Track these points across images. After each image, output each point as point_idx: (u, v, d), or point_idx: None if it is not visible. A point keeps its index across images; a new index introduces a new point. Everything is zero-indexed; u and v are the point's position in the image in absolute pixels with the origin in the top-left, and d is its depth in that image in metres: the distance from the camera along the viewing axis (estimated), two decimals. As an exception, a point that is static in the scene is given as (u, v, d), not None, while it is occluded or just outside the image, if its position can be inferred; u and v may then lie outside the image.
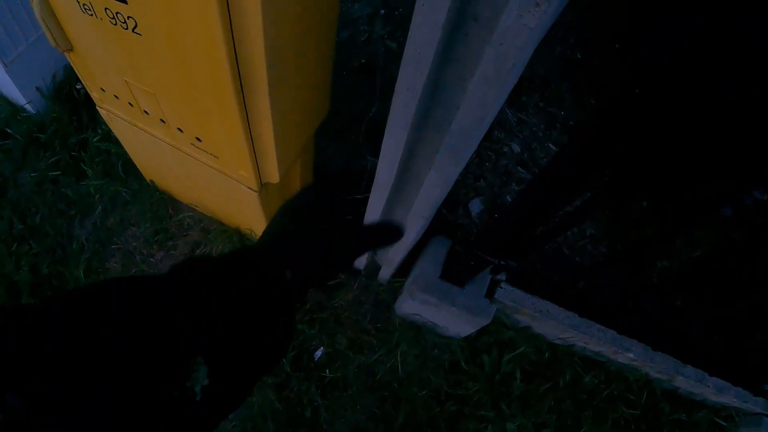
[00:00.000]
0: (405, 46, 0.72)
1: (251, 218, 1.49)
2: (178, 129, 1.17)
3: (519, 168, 2.05)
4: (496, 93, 0.73)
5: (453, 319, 1.50)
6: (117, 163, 1.81)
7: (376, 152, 1.03)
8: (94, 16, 0.92)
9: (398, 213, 1.26)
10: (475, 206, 1.92)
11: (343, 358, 1.67)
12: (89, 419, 0.22)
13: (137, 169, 1.78)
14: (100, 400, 0.22)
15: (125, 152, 1.80)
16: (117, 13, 0.86)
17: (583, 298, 1.55)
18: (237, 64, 0.81)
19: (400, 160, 0.97)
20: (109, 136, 1.82)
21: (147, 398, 0.26)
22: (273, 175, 1.21)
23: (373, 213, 1.23)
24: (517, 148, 2.10)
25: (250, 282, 0.39)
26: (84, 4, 0.90)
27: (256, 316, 0.37)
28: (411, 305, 1.58)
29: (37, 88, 1.83)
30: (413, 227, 1.20)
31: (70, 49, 1.13)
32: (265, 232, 0.51)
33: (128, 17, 0.85)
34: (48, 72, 1.87)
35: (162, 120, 1.18)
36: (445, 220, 1.84)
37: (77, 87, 1.87)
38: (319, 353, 1.67)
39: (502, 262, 1.24)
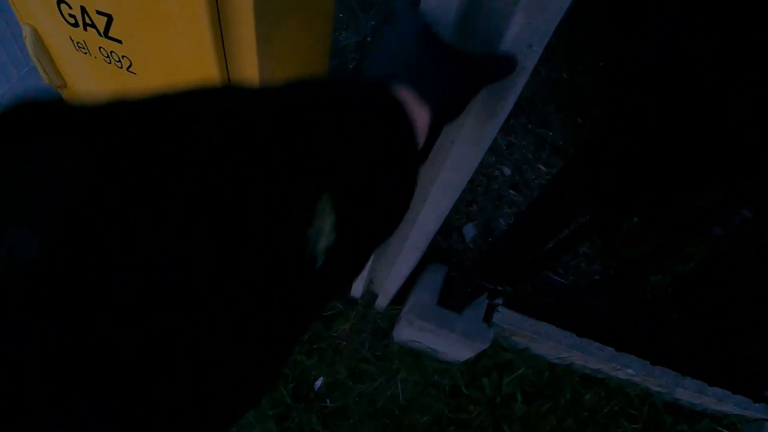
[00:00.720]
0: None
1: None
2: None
3: (511, 191, 2.09)
4: (490, 129, 0.76)
5: (452, 344, 1.51)
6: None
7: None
8: (88, 54, 0.94)
9: (393, 245, 1.28)
10: (469, 231, 1.95)
11: (343, 388, 1.66)
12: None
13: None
14: None
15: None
16: (111, 52, 0.88)
17: (579, 318, 1.57)
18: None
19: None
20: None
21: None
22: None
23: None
24: (508, 171, 2.15)
25: (386, 118, 0.32)
26: (78, 43, 0.92)
27: (388, 159, 0.30)
28: (409, 333, 1.58)
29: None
30: (408, 259, 1.22)
31: (64, 86, 1.15)
32: (380, 54, 0.42)
33: (123, 56, 0.87)
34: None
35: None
36: (439, 247, 1.86)
37: None
38: (318, 383, 1.67)
39: (498, 288, 1.26)
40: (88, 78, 1.03)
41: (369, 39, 2.71)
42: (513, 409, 1.64)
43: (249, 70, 0.82)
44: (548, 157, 2.20)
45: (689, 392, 1.61)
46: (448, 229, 1.89)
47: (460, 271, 1.46)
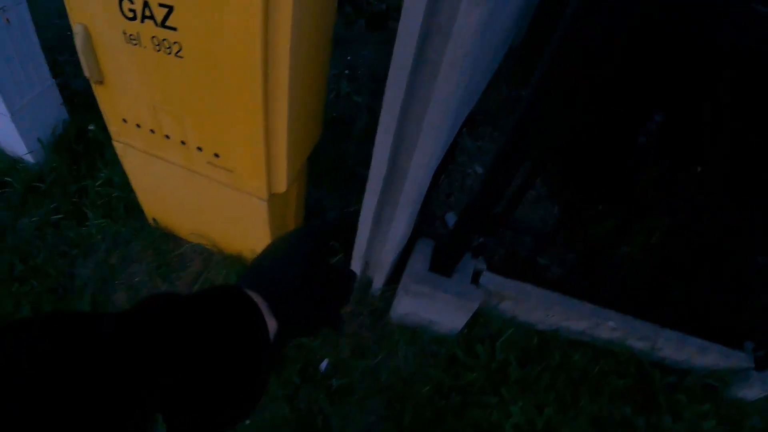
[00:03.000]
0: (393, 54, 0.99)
1: (256, 234, 1.64)
2: (198, 148, 1.37)
3: (484, 185, 2.35)
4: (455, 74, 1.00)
5: (446, 307, 1.65)
6: (119, 205, 1.93)
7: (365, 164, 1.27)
8: (138, 45, 1.14)
9: (387, 211, 1.46)
10: (450, 219, 2.15)
11: (347, 366, 1.73)
12: None
13: (139, 211, 1.91)
14: None
15: (127, 195, 1.94)
16: (164, 39, 1.09)
17: (559, 278, 1.75)
18: (267, 80, 1.05)
19: (389, 153, 1.21)
20: (111, 181, 1.97)
21: None
22: (281, 184, 1.40)
23: (367, 209, 1.44)
24: (479, 170, 2.42)
25: (221, 331, 0.35)
26: (131, 35, 1.13)
27: (223, 372, 0.33)
28: (406, 303, 1.71)
29: (39, 139, 1.98)
30: (403, 215, 1.40)
31: (101, 81, 1.33)
32: (256, 264, 0.46)
33: (174, 42, 1.08)
34: (48, 126, 2.03)
35: (182, 141, 1.38)
36: (426, 232, 2.05)
37: (89, 128, 2.03)
38: (324, 364, 1.73)
39: (480, 239, 1.45)
40: (131, 69, 1.23)
41: (346, 72, 3.06)
42: (508, 374, 1.75)
43: (282, 49, 1.00)
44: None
45: (671, 343, 1.75)
46: (432, 217, 2.09)
47: (448, 231, 1.65)
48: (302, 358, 1.71)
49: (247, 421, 1.57)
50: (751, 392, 1.78)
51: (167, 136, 1.40)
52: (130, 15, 1.10)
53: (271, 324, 0.41)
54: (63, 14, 1.22)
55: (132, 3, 1.07)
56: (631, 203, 1.77)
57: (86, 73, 1.29)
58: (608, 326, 1.75)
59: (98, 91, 1.38)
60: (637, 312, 1.77)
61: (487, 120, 2.62)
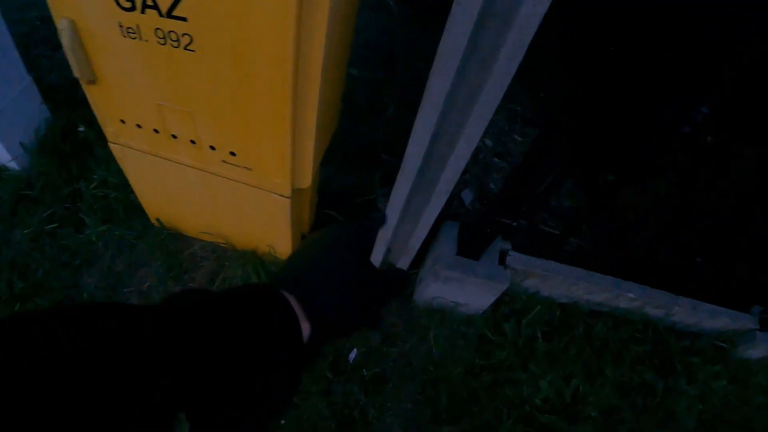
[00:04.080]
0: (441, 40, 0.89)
1: (275, 230, 1.56)
2: (210, 147, 1.26)
3: (495, 159, 2.29)
4: (512, 66, 0.91)
5: (475, 289, 1.63)
6: (118, 207, 1.80)
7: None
8: (138, 39, 1.00)
9: (419, 199, 1.40)
10: (467, 196, 2.11)
11: (378, 354, 1.72)
12: None
13: (140, 211, 1.78)
14: None
15: (126, 195, 1.81)
16: (170, 31, 0.95)
17: (580, 254, 1.75)
18: (297, 72, 0.94)
19: (428, 142, 1.13)
20: (107, 183, 1.82)
21: None
22: (306, 179, 1.31)
23: (398, 198, 1.37)
24: (489, 143, 2.35)
25: (254, 333, 0.34)
26: (128, 28, 0.98)
27: (251, 375, 0.33)
28: (433, 288, 1.69)
29: (22, 144, 1.80)
30: (437, 204, 1.34)
31: (93, 81, 1.18)
32: (292, 263, 0.44)
33: (183, 34, 0.95)
34: (30, 128, 1.85)
35: (192, 141, 1.26)
36: (443, 213, 2.01)
37: (79, 129, 1.86)
38: (353, 355, 1.72)
39: (513, 223, 1.41)
40: (131, 65, 1.08)
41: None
42: (535, 348, 1.78)
43: (317, 35, 0.87)
44: (521, 127, 2.44)
45: (685, 309, 1.81)
46: (449, 197, 2.04)
47: (479, 214, 1.60)
48: (332, 352, 1.69)
49: (282, 421, 1.56)
50: (756, 352, 1.87)
51: (174, 136, 1.27)
52: (127, 5, 0.95)
53: (305, 327, 0.40)
54: (29, 5, 1.05)
55: (130, -10, 0.92)
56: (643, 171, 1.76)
57: (75, 73, 1.13)
58: (628, 297, 1.79)
59: (90, 92, 1.23)
60: (654, 282, 1.80)
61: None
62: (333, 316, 0.41)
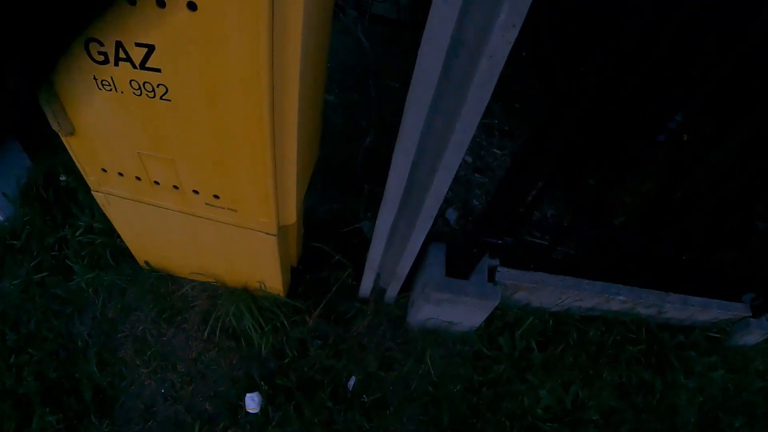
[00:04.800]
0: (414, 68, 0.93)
1: (264, 267, 1.57)
2: (194, 191, 1.27)
3: (476, 174, 2.33)
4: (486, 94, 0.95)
5: (467, 308, 1.65)
6: (104, 253, 1.80)
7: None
8: (113, 90, 1.01)
9: (402, 228, 1.42)
10: (451, 215, 2.14)
11: (377, 380, 1.73)
12: None
13: (128, 255, 1.78)
14: None
15: (112, 240, 1.80)
16: (145, 83, 0.97)
17: (567, 263, 1.79)
18: (274, 112, 0.96)
19: (408, 172, 1.16)
20: (92, 228, 1.82)
21: None
22: (291, 216, 1.33)
23: (383, 225, 1.40)
24: (469, 159, 2.40)
25: None
26: (102, 80, 1.00)
27: None
28: (426, 310, 1.71)
29: (4, 194, 1.79)
30: (423, 228, 1.37)
31: (72, 133, 1.19)
32: None
33: (158, 85, 0.97)
34: (12, 177, 1.84)
35: (175, 186, 1.27)
36: (429, 233, 2.04)
37: (61, 179, 1.85)
38: (352, 382, 1.72)
39: (499, 241, 1.44)
40: (108, 116, 1.10)
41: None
42: (531, 359, 1.80)
43: (291, 79, 0.90)
44: (499, 141, 2.49)
45: (676, 306, 1.85)
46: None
47: (465, 233, 1.63)
48: (330, 381, 1.69)
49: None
50: (751, 338, 1.91)
51: (157, 182, 1.29)
52: (100, 59, 0.97)
53: None
54: None
55: (102, 45, 0.93)
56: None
57: (54, 126, 1.15)
58: (618, 299, 1.82)
59: (70, 143, 1.24)
60: (643, 282, 1.84)
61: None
62: None
